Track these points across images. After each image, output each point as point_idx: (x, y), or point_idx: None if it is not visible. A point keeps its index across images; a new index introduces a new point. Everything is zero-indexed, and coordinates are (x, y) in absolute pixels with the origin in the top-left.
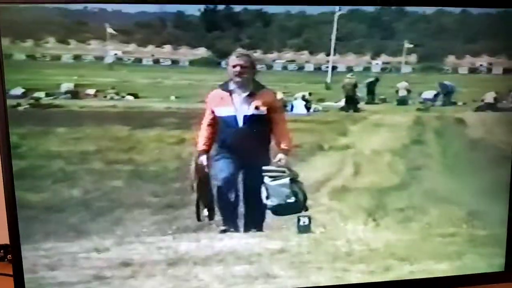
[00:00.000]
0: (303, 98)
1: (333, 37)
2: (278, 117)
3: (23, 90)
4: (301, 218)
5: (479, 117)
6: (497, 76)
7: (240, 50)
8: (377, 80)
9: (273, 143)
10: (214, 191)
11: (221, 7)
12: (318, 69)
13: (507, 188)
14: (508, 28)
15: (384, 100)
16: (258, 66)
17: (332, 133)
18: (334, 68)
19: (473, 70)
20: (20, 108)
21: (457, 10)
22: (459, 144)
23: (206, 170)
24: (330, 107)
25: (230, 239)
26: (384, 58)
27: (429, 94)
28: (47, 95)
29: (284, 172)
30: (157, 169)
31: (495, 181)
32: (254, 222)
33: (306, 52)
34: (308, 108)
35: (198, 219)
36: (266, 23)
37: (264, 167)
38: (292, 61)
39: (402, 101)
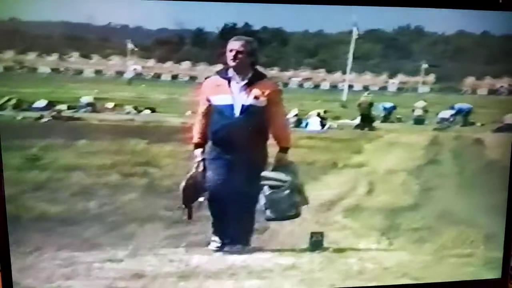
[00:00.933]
0: (318, 115)
1: (350, 56)
2: (278, 111)
3: (46, 102)
4: (313, 235)
5: (499, 138)
6: None
7: (240, 36)
8: (394, 107)
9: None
10: (206, 194)
11: (240, 24)
12: (334, 87)
13: None
14: None
15: (399, 120)
16: (259, 54)
17: (347, 151)
18: (350, 86)
19: (493, 92)
20: (43, 120)
21: (478, 31)
22: (477, 164)
23: (200, 167)
24: (345, 125)
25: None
26: (401, 78)
27: (445, 114)
28: (69, 108)
29: (285, 182)
30: (170, 184)
31: None
32: (245, 233)
33: (323, 70)
34: (323, 125)
35: (190, 217)
36: (284, 41)
37: (264, 174)
38: (309, 79)
39: (419, 121)
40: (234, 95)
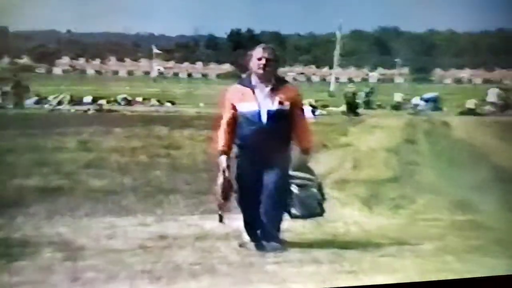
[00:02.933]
0: (310, 104)
1: (336, 53)
2: (300, 113)
3: (91, 98)
4: None
5: (461, 120)
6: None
7: (264, 44)
8: (371, 91)
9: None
10: (236, 193)
11: (244, 30)
12: (323, 80)
13: (486, 180)
14: (488, 46)
15: (380, 106)
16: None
17: (335, 133)
18: (336, 79)
19: (457, 81)
20: (89, 112)
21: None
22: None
23: (226, 173)
24: (333, 111)
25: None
26: (380, 70)
27: (417, 101)
28: (108, 102)
29: (311, 180)
30: (189, 162)
31: (476, 175)
32: (274, 229)
33: (313, 66)
34: (314, 113)
35: (220, 220)
36: (281, 42)
37: (292, 173)
38: (302, 73)
39: (396, 107)
40: (260, 102)
